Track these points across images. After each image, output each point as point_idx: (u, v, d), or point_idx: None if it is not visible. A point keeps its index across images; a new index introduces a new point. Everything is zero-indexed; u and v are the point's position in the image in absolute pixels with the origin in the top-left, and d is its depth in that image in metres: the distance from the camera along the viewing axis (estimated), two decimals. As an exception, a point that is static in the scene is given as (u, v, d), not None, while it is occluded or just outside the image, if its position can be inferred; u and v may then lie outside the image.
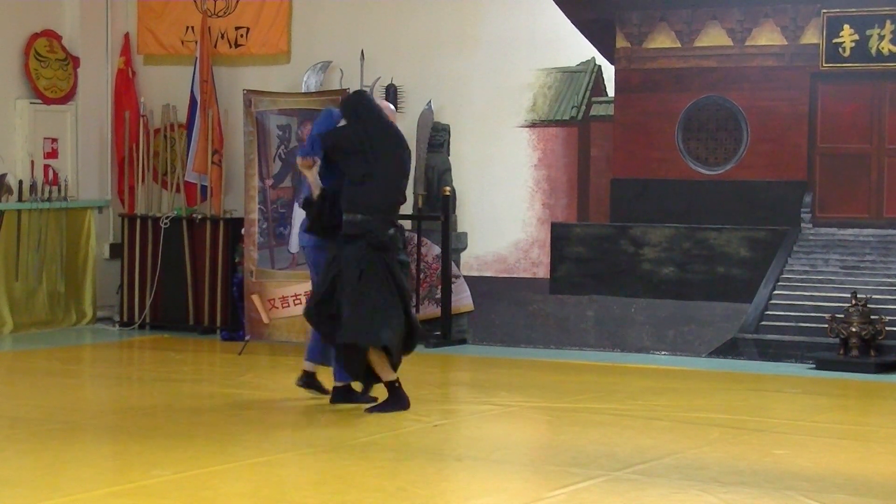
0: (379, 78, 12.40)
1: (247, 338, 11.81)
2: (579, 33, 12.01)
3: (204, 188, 12.94)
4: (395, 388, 8.47)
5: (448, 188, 12.18)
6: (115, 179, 13.44)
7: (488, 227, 12.31)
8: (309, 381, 9.08)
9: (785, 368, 10.97)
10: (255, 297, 11.93)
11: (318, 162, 8.57)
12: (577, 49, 12.03)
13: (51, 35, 13.11)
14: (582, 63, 12.04)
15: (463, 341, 12.21)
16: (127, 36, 13.52)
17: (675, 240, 11.69)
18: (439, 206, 12.15)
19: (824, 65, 11.25)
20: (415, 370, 10.54)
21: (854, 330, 10.77)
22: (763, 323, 11.38)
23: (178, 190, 13.14)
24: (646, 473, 7.04)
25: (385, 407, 8.48)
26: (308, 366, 9.08)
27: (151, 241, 12.98)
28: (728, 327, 11.48)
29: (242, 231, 12.29)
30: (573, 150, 12.12)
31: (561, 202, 12.13)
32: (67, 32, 13.25)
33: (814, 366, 10.93)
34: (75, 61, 13.23)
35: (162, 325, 12.94)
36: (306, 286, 11.77)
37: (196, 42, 13.11)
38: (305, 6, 13.06)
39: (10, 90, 12.86)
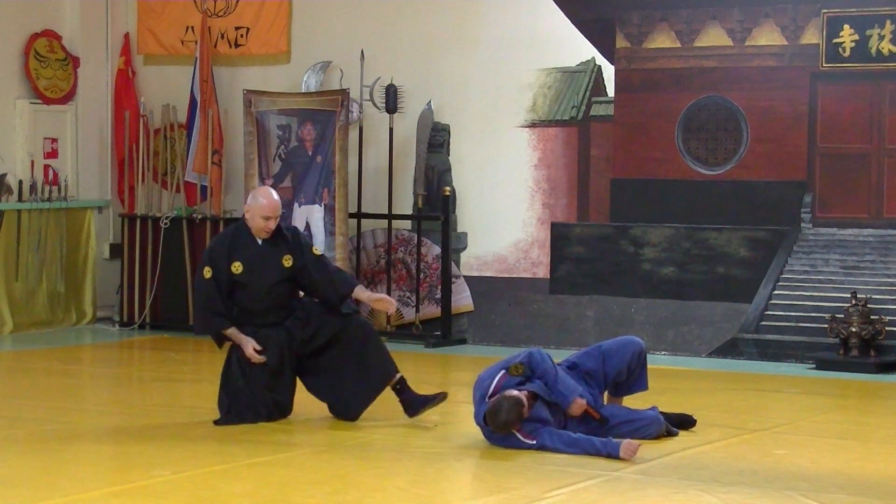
0: (379, 78, 12.40)
1: (247, 338, 11.79)
2: (579, 33, 12.01)
3: (204, 188, 12.94)
4: None
5: (448, 188, 12.18)
6: (115, 179, 13.44)
7: (488, 227, 12.31)
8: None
9: (785, 368, 10.97)
10: (255, 297, 11.91)
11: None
12: (577, 49, 12.03)
13: (51, 35, 13.11)
14: (582, 63, 12.04)
15: (463, 341, 12.21)
16: (127, 36, 13.53)
17: (675, 240, 11.69)
18: (439, 206, 12.15)
19: (824, 65, 11.25)
20: (415, 370, 10.53)
21: (854, 330, 10.77)
22: (763, 323, 11.38)
23: (178, 190, 13.14)
24: (646, 473, 7.04)
25: None
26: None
27: (151, 241, 12.98)
28: (728, 327, 11.48)
29: (242, 231, 12.27)
30: (573, 150, 12.12)
31: (561, 202, 12.13)
32: (67, 32, 13.25)
33: (814, 366, 10.93)
34: (75, 61, 13.23)
35: (162, 325, 12.94)
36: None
37: (196, 42, 13.11)
38: (305, 6, 13.06)
39: (10, 90, 12.86)
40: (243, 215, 8.42)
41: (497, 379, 7.71)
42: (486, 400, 7.63)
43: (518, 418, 7.48)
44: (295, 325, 8.36)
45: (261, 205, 8.24)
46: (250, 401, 8.21)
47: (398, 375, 8.39)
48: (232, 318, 8.30)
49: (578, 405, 7.67)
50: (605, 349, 8.08)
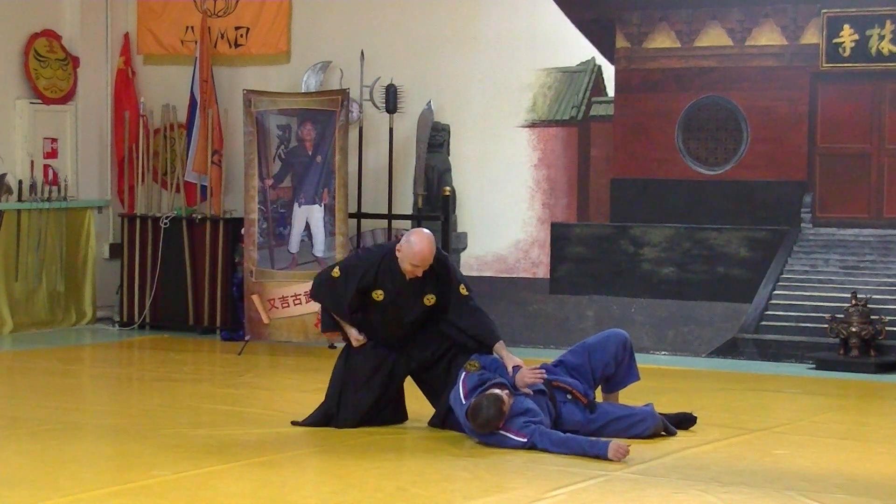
0: (379, 78, 12.40)
1: (247, 338, 11.81)
2: (579, 33, 12.01)
3: (204, 188, 12.94)
4: None
5: (448, 188, 12.18)
6: (115, 179, 13.44)
7: (488, 227, 12.31)
8: None
9: (785, 368, 10.98)
10: (254, 297, 11.93)
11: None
12: (577, 49, 12.03)
13: (51, 35, 13.11)
14: (582, 63, 12.04)
15: (463, 341, 12.19)
16: (127, 36, 13.53)
17: (675, 240, 11.69)
18: (439, 206, 12.15)
19: (824, 65, 11.25)
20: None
21: (854, 330, 10.77)
22: (763, 323, 11.38)
23: (177, 190, 13.13)
24: (646, 473, 7.04)
25: None
26: None
27: (151, 241, 12.98)
28: (728, 327, 11.48)
29: (242, 231, 12.28)
30: (573, 150, 12.12)
31: (561, 202, 12.13)
32: (67, 32, 13.25)
33: (814, 366, 10.93)
34: (75, 61, 13.23)
35: (162, 325, 12.94)
36: (305, 286, 11.79)
37: (196, 42, 13.11)
38: (305, 6, 13.06)
39: (10, 90, 12.86)
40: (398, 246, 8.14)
41: (461, 381, 7.78)
42: (465, 401, 7.68)
43: (499, 415, 7.51)
44: (415, 348, 8.26)
45: (412, 252, 7.96)
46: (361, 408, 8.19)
47: None
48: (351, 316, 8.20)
49: (520, 372, 7.79)
50: (588, 344, 8.16)
